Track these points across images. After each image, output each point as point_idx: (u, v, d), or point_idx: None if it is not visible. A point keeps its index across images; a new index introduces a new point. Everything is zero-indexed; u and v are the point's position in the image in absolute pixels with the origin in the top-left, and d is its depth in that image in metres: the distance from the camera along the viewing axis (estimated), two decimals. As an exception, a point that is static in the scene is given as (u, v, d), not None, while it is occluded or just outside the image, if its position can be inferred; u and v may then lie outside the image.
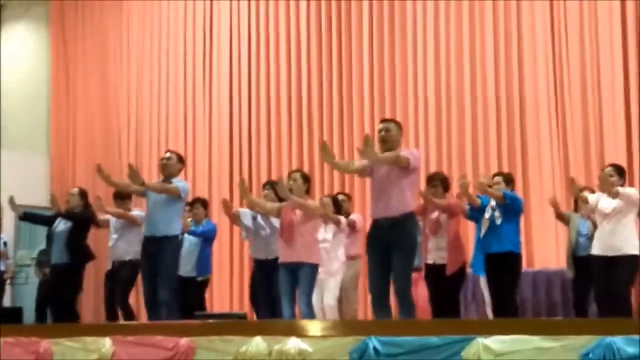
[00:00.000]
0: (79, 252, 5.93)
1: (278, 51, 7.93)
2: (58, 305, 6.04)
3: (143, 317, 6.19)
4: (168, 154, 5.38)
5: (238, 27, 8.07)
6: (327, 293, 5.57)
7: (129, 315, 6.02)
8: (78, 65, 9.10)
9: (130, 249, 5.94)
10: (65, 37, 9.18)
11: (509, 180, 5.23)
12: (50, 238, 6.14)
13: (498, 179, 5.18)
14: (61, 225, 5.99)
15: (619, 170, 4.88)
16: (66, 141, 9.04)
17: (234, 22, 8.08)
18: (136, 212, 6.05)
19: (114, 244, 6.13)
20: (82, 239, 6.03)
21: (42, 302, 6.53)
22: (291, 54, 7.84)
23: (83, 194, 6.16)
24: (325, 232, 5.59)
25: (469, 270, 5.36)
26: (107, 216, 6.21)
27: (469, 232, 6.17)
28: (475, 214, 5.11)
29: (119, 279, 6.03)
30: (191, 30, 8.32)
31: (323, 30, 7.67)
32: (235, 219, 5.65)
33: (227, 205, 5.52)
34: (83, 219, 6.02)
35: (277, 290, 4.99)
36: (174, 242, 5.17)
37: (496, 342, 3.39)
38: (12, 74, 9.16)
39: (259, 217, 5.38)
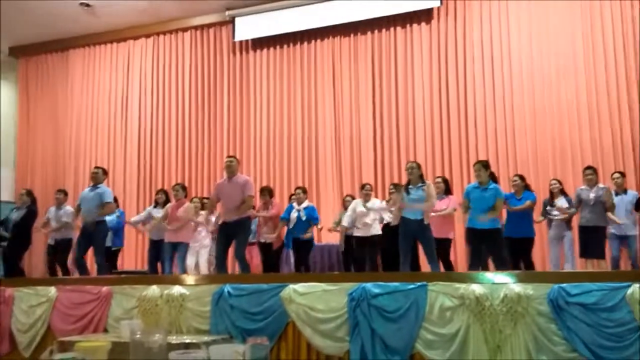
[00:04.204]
0: (27, 235, 7.36)
1: (164, 107, 10.89)
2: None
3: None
4: (95, 169, 7.13)
5: (144, 91, 11.03)
6: (201, 258, 7.48)
7: (67, 272, 7.41)
8: (37, 110, 11.67)
9: (68, 232, 7.50)
10: (28, 91, 11.83)
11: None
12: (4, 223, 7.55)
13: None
14: (14, 214, 7.53)
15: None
16: (26, 160, 11.59)
17: (142, 87, 11.03)
18: None
19: (56, 230, 7.56)
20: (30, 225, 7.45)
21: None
22: (171, 112, 10.82)
23: (30, 193, 7.73)
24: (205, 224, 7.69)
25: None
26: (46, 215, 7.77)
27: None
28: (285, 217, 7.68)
29: (61, 250, 7.45)
30: (114, 91, 11.17)
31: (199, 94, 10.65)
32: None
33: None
34: (30, 211, 7.51)
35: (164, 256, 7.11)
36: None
37: (300, 287, 4.86)
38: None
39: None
